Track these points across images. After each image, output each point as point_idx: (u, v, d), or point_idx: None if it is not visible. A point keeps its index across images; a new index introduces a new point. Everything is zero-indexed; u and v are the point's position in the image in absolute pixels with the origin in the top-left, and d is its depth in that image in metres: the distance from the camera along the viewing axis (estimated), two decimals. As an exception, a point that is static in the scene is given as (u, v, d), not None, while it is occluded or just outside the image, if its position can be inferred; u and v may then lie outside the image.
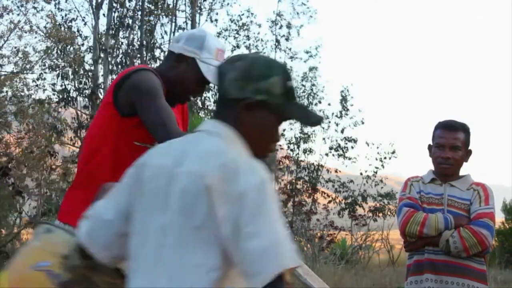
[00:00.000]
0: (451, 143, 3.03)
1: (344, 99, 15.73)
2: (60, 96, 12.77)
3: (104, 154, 2.38)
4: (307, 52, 15.96)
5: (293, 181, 14.38)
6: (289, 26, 15.70)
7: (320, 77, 18.35)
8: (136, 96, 2.29)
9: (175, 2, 14.42)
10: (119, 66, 13.05)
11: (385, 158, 15.00)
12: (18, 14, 11.52)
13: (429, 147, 3.16)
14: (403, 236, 3.06)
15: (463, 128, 3.08)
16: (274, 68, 1.68)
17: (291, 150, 15.62)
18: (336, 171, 15.40)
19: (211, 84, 2.50)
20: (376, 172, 14.91)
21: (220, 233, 1.48)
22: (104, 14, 13.31)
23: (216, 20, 15.17)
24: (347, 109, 15.68)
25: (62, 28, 12.65)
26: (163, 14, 13.85)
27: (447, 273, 2.94)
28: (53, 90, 12.94)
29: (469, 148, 3.12)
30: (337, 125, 15.74)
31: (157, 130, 2.23)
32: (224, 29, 15.49)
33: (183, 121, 2.59)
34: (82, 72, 12.91)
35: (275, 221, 1.49)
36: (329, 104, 16.00)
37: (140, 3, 13.61)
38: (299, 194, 13.88)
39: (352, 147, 15.57)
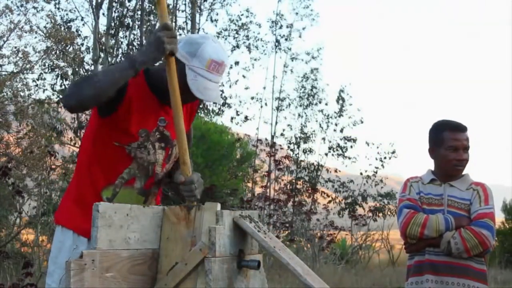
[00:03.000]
0: (464, 145, 3.03)
1: (342, 99, 15.72)
2: (60, 96, 12.76)
3: (86, 153, 2.45)
4: (308, 54, 15.99)
5: (293, 181, 14.36)
6: (289, 26, 15.72)
7: (322, 80, 18.41)
8: None
9: (175, 2, 14.42)
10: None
11: (385, 158, 14.99)
12: (18, 14, 11.51)
13: (432, 149, 3.13)
14: (404, 238, 3.05)
15: (467, 129, 3.09)
16: None
17: (291, 150, 15.63)
18: (336, 171, 15.39)
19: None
20: (376, 172, 14.89)
21: None
22: (104, 14, 13.32)
23: (216, 20, 15.18)
24: (344, 109, 15.67)
25: (62, 28, 12.64)
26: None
27: (447, 273, 2.94)
28: (53, 90, 12.93)
29: None
30: (336, 125, 15.75)
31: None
32: (224, 29, 15.50)
33: (188, 121, 2.58)
34: (82, 72, 12.90)
35: None
36: (326, 104, 16.01)
37: (140, 3, 13.61)
38: (299, 194, 13.86)
39: (351, 147, 15.58)
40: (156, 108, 2.39)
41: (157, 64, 2.34)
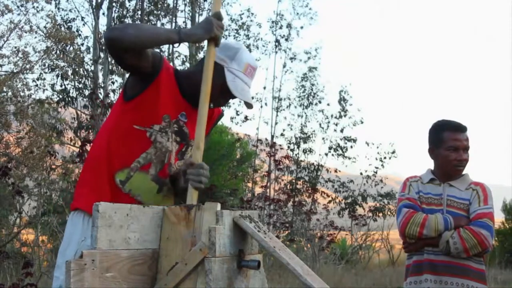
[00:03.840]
0: (465, 145, 3.04)
1: (343, 100, 15.73)
2: (60, 96, 12.76)
3: (103, 137, 2.47)
4: (306, 53, 16.00)
5: (293, 181, 14.36)
6: (289, 26, 15.74)
7: (320, 76, 18.45)
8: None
9: (175, 2, 14.43)
10: (119, 67, 13.03)
11: (385, 158, 15.00)
12: (18, 14, 11.51)
13: (432, 150, 3.13)
14: (403, 237, 3.06)
15: (467, 129, 3.09)
16: None
17: (291, 150, 15.63)
18: (336, 171, 15.40)
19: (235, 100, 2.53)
20: (376, 172, 14.90)
21: None
22: (103, 14, 13.32)
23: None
24: (346, 110, 15.69)
25: (62, 28, 12.65)
26: (163, 14, 13.86)
27: (446, 273, 2.94)
28: (53, 90, 12.94)
29: None
30: (336, 125, 15.76)
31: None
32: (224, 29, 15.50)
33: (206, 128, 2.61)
34: (82, 72, 12.91)
35: None
36: (328, 105, 16.03)
37: (140, 3, 13.61)
38: (299, 194, 13.87)
39: (352, 147, 15.58)
40: (180, 103, 2.46)
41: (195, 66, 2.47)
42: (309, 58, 15.94)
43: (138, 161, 2.40)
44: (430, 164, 3.17)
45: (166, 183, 2.48)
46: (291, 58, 15.88)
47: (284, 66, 15.87)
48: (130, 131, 2.39)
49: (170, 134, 2.44)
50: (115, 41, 2.22)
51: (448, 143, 3.05)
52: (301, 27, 15.89)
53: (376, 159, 15.00)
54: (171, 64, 2.48)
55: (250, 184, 13.98)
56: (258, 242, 2.07)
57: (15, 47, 11.06)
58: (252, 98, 16.39)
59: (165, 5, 13.87)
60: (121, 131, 2.40)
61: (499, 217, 14.72)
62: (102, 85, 12.91)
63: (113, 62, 13.11)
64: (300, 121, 15.87)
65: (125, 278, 1.93)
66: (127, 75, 2.64)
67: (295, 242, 11.21)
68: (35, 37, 12.20)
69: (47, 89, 12.90)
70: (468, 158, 3.06)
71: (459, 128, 3.07)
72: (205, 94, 2.30)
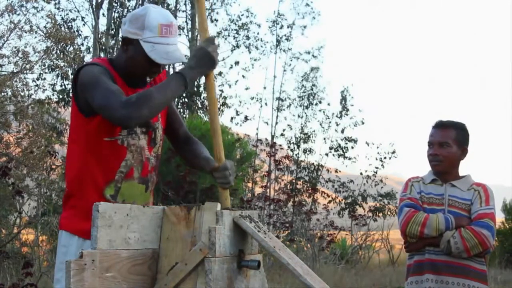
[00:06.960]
0: (438, 140, 3.08)
1: (344, 99, 15.74)
2: (60, 96, 12.76)
3: (80, 159, 2.42)
4: (308, 53, 16.00)
5: (293, 181, 14.36)
6: (291, 26, 15.73)
7: (321, 77, 18.43)
8: (84, 93, 2.35)
9: (175, 2, 14.42)
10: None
11: (385, 158, 14.99)
12: (18, 14, 11.49)
13: (430, 147, 3.19)
14: (404, 237, 3.06)
15: (455, 126, 3.10)
16: None
17: (291, 150, 15.62)
18: (336, 171, 15.39)
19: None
20: (376, 172, 14.90)
21: None
22: (103, 14, 13.32)
23: (216, 20, 15.18)
24: (347, 109, 15.69)
25: (62, 28, 12.65)
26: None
27: (447, 273, 2.94)
28: (53, 90, 12.94)
29: (467, 146, 3.12)
30: (337, 125, 15.76)
31: (103, 113, 2.27)
32: (224, 29, 15.50)
33: None
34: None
35: None
36: (328, 104, 16.03)
37: (140, 4, 13.61)
38: (299, 194, 13.86)
39: (352, 147, 15.58)
40: (127, 92, 2.41)
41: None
42: (313, 56, 15.95)
43: (121, 171, 2.39)
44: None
45: (150, 179, 2.49)
46: (294, 57, 15.88)
47: (288, 65, 15.87)
48: (103, 145, 2.37)
49: (138, 131, 2.43)
50: (135, 125, 2.32)
51: (428, 138, 3.13)
52: (305, 27, 15.91)
53: (376, 159, 15.00)
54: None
55: (250, 184, 13.95)
56: (258, 242, 2.07)
57: (15, 47, 11.03)
58: (252, 99, 16.37)
59: (165, 5, 13.87)
60: (94, 148, 2.38)
61: (499, 217, 14.72)
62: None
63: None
64: (300, 121, 15.88)
65: (125, 278, 1.93)
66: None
67: (295, 242, 11.20)
68: (35, 37, 12.22)
69: (47, 89, 12.91)
70: (444, 153, 3.05)
71: (438, 125, 3.14)
72: (214, 116, 2.35)
